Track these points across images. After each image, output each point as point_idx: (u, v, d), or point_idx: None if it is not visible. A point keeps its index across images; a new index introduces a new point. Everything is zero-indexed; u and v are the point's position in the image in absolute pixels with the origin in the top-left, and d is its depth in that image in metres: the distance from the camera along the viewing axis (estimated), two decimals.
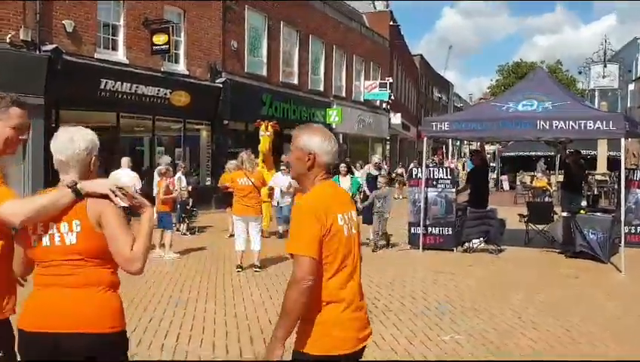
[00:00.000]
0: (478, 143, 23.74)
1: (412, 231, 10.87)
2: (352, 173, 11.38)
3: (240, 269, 8.73)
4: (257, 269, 8.76)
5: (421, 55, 52.01)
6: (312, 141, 2.52)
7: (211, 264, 9.33)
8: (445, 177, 10.91)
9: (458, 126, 10.50)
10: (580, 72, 38.91)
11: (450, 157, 65.48)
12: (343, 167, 11.39)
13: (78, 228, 2.40)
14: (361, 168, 18.73)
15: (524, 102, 10.19)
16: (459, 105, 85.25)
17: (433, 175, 11.01)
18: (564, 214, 10.52)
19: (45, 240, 2.42)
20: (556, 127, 9.38)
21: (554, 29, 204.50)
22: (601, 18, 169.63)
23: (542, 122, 9.47)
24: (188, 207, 13.39)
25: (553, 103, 9.85)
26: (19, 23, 12.95)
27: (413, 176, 11.87)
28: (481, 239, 10.58)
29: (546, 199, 20.11)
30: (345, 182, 10.65)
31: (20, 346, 2.43)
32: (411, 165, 25.78)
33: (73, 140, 2.52)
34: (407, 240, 11.02)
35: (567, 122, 9.28)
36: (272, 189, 10.84)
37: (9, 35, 12.74)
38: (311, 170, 2.53)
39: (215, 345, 5.29)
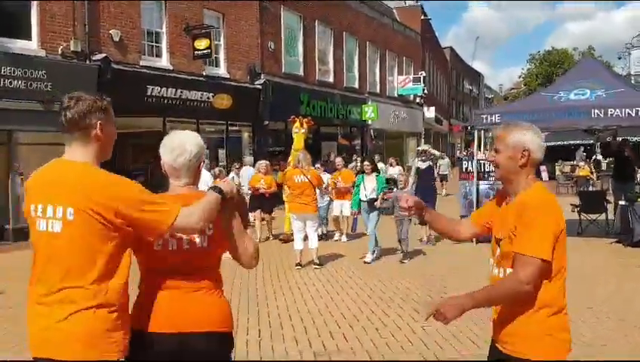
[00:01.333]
0: None
1: None
2: (378, 171, 10.49)
3: (299, 267, 8.89)
4: (317, 266, 8.91)
5: (451, 47, 51.64)
6: (526, 137, 2.43)
7: (268, 263, 9.50)
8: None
9: (510, 117, 10.42)
10: (619, 58, 38.14)
11: (482, 148, 64.76)
12: (367, 164, 10.30)
13: (211, 231, 2.46)
14: (397, 165, 18.75)
15: (575, 91, 10.14)
16: (489, 97, 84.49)
17: (484, 168, 11.00)
18: (621, 203, 10.41)
19: (172, 245, 2.41)
20: (611, 114, 9.32)
21: (586, 15, 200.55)
22: (635, 2, 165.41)
23: (596, 110, 9.41)
24: None
25: (606, 91, 9.77)
26: (69, 34, 13.35)
27: (464, 170, 11.86)
28: None
29: (590, 188, 19.85)
30: (370, 181, 9.66)
31: (142, 347, 2.33)
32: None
33: (185, 148, 2.55)
34: None
35: (623, 110, 9.20)
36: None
37: (61, 47, 13.15)
38: (524, 168, 2.44)
39: (297, 340, 5.44)
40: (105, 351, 2.16)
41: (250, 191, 11.89)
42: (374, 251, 9.49)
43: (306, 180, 9.11)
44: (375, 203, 9.38)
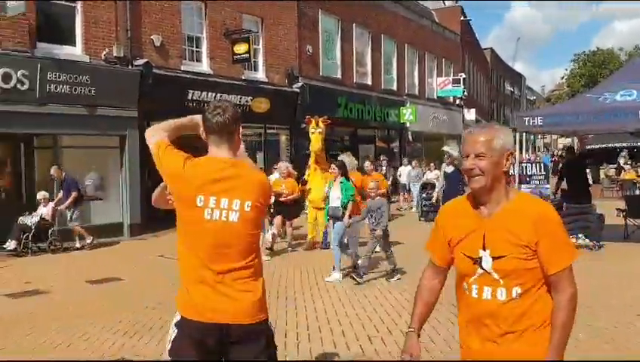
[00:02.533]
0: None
1: None
2: (347, 177, 8.93)
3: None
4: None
5: (492, 48, 50.77)
6: (509, 139, 2.24)
7: (300, 266, 9.48)
8: (539, 173, 10.66)
9: (552, 120, 10.23)
10: None
11: (523, 152, 63.45)
12: (333, 167, 9.15)
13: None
14: (435, 169, 18.41)
15: (621, 92, 9.82)
16: (531, 99, 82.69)
17: (526, 171, 10.78)
18: None
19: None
20: None
21: (633, 13, 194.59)
22: None
23: None
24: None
25: None
26: (112, 40, 13.66)
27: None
28: (580, 236, 10.24)
29: (636, 192, 19.22)
30: (336, 188, 8.82)
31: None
32: None
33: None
34: None
35: None
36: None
37: (104, 52, 13.47)
38: (505, 173, 2.23)
39: (335, 343, 5.41)
40: (266, 312, 2.58)
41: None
42: (356, 269, 8.20)
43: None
44: (339, 214, 8.46)
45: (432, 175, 17.96)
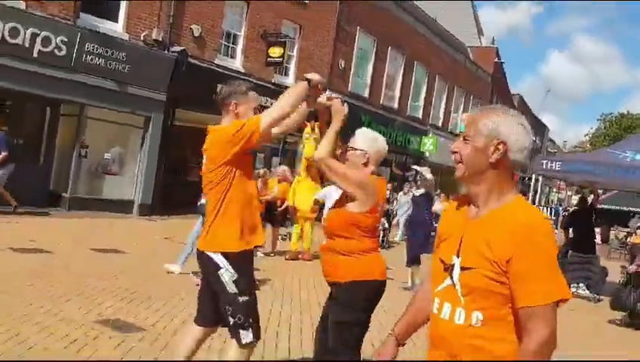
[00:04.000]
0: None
1: None
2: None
3: None
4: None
5: (520, 95, 50.84)
6: (505, 125, 1.77)
7: (279, 274, 9.57)
8: (550, 217, 10.66)
9: (570, 167, 10.29)
10: None
11: (537, 199, 63.06)
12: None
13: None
14: (445, 201, 18.16)
15: None
16: (552, 151, 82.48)
17: None
18: None
19: None
20: None
21: None
22: None
23: None
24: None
25: None
26: (153, 23, 13.96)
27: None
28: (581, 285, 10.23)
29: None
30: None
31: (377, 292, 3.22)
32: None
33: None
34: None
35: None
36: (317, 203, 9.69)
37: (143, 34, 13.76)
38: (496, 168, 1.77)
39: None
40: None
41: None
42: None
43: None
44: None
45: (439, 206, 17.29)
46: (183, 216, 14.62)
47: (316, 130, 10.55)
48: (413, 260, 8.77)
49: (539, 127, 65.50)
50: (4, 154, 10.74)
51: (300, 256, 10.59)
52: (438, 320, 1.81)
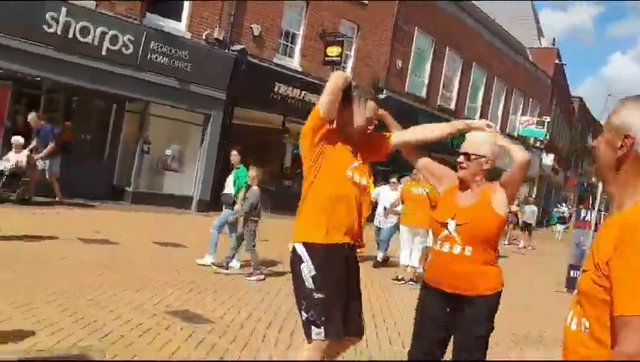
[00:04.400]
0: None
1: (571, 274, 10.25)
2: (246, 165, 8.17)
3: (402, 282, 8.76)
4: (413, 286, 8.51)
5: (581, 98, 49.23)
6: (633, 117, 1.62)
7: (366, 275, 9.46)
8: None
9: None
10: None
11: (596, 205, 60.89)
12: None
13: None
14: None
15: None
16: None
17: (603, 220, 10.37)
18: None
19: None
20: None
21: None
22: None
23: None
24: None
25: None
26: (215, 22, 14.18)
27: (580, 218, 11.27)
28: None
29: None
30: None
31: None
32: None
33: None
34: (565, 283, 10.37)
35: None
36: (372, 203, 9.10)
37: (205, 33, 13.99)
38: (624, 164, 1.63)
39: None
40: None
41: None
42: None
43: (424, 193, 8.84)
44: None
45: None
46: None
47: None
48: None
49: (600, 132, 63.20)
50: (51, 145, 10.79)
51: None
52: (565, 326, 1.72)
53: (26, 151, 10.57)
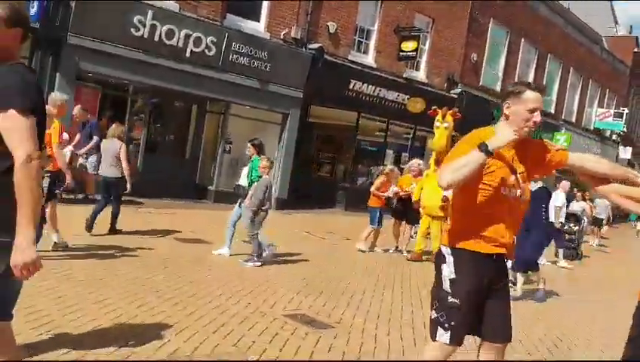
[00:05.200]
0: None
1: None
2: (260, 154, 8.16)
3: None
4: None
5: None
6: None
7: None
8: None
9: None
10: None
11: None
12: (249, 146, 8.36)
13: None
14: (582, 200, 16.82)
15: None
16: None
17: None
18: None
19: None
20: None
21: None
22: None
23: None
24: None
25: None
26: (292, 21, 14.19)
27: None
28: None
29: None
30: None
31: None
32: None
33: None
34: None
35: None
36: (447, 200, 8.48)
37: (283, 32, 14.03)
38: None
39: None
40: None
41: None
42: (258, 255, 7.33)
43: None
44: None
45: (577, 206, 15.97)
46: (317, 211, 14.85)
47: (448, 117, 9.95)
48: (524, 265, 7.52)
49: None
50: (95, 139, 10.12)
51: (424, 258, 9.65)
52: None
53: (70, 147, 8.97)
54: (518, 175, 3.03)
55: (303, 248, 9.19)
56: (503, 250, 3.00)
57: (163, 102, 13.32)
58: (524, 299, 7.40)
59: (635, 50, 32.15)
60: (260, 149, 8.17)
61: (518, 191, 3.02)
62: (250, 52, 13.25)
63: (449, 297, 2.97)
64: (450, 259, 3.00)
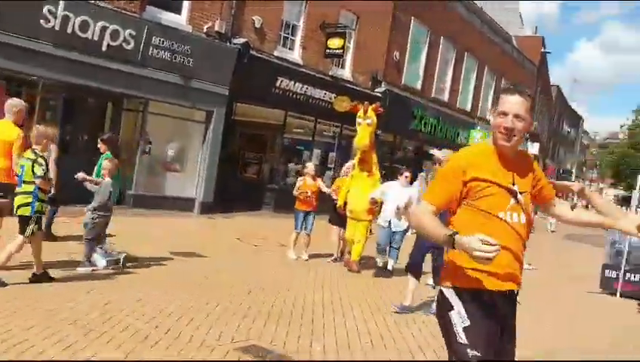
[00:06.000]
0: None
1: (606, 274, 9.99)
2: None
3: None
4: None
5: (558, 86, 49.57)
6: None
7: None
8: None
9: None
10: None
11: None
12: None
13: None
14: None
15: None
16: (585, 143, 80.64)
17: None
18: None
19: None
20: None
21: None
22: None
23: None
24: None
25: None
26: (216, 15, 13.47)
27: None
28: None
29: None
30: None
31: None
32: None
33: None
34: (600, 283, 10.10)
35: None
36: (375, 203, 8.62)
37: (207, 26, 13.28)
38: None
39: None
40: None
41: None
42: None
43: None
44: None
45: None
46: (245, 215, 14.27)
47: (370, 112, 9.08)
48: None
49: (574, 119, 64.04)
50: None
51: (346, 265, 9.03)
52: None
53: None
54: (520, 196, 2.67)
55: (236, 259, 8.66)
56: (514, 286, 2.67)
57: (76, 100, 12.21)
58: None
59: (542, 50, 33.72)
60: (111, 145, 7.46)
61: (522, 216, 2.67)
62: (172, 46, 12.43)
63: (468, 350, 2.56)
64: (457, 303, 2.61)
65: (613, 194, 57.44)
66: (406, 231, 8.90)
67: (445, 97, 23.50)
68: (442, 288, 2.72)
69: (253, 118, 15.69)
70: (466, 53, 24.40)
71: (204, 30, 13.26)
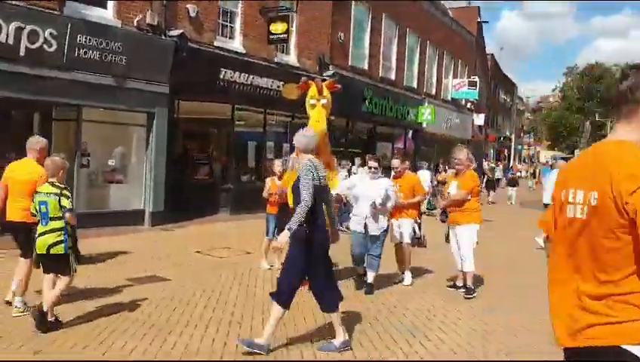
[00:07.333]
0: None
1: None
2: None
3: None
4: (468, 295, 7.14)
5: (492, 55, 50.11)
6: None
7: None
8: None
9: None
10: None
11: (519, 160, 63.76)
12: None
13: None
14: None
15: None
16: (520, 108, 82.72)
17: None
18: None
19: None
20: None
21: (620, 32, 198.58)
22: None
23: None
24: None
25: None
26: (146, 6, 12.20)
27: None
28: None
29: None
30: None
31: None
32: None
33: None
34: None
35: None
36: (339, 201, 7.62)
37: (137, 18, 12.01)
38: None
39: None
40: None
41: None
42: None
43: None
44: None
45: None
46: (200, 221, 13.18)
47: (325, 91, 7.86)
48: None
49: (509, 86, 65.27)
50: None
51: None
52: None
53: None
54: None
55: (202, 277, 7.63)
56: None
57: None
58: None
59: (478, 19, 33.67)
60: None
61: None
62: (100, 44, 11.11)
63: None
64: None
65: (551, 155, 59.08)
66: (386, 231, 7.29)
67: (392, 76, 22.88)
68: (630, 348, 1.82)
69: (199, 114, 14.52)
70: (407, 29, 23.82)
71: (135, 24, 11.97)
